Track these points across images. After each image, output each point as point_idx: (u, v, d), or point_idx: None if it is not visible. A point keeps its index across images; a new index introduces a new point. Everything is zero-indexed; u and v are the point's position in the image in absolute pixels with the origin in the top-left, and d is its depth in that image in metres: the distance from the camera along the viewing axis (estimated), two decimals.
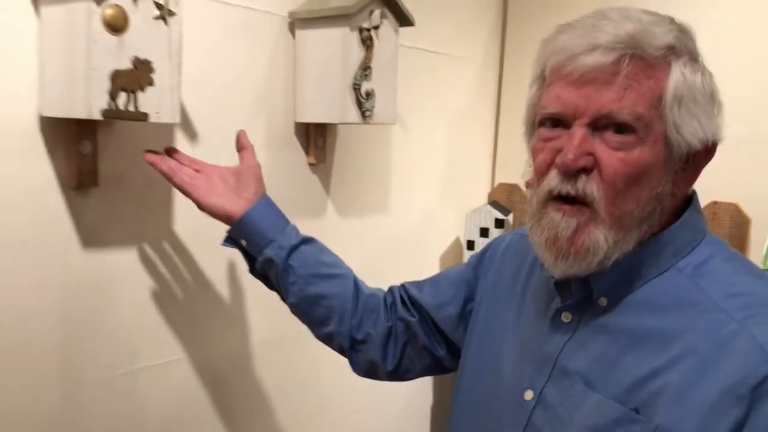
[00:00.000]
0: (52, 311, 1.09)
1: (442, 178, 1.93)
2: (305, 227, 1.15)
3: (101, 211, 1.13)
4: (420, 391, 1.93)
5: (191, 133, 1.25)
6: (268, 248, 1.08)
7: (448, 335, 1.09)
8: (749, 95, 1.66)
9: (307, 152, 1.49)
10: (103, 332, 1.16)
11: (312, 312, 1.11)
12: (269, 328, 1.45)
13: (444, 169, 1.94)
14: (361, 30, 1.35)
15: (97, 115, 0.95)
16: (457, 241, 2.02)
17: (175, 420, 1.30)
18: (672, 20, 0.79)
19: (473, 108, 2.03)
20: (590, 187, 0.77)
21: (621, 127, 0.75)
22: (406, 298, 1.13)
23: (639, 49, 0.74)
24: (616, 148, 0.76)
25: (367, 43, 1.37)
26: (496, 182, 2.13)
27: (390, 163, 1.74)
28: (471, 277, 1.08)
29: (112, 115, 0.96)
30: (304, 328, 1.16)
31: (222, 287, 1.36)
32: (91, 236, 1.12)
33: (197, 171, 1.11)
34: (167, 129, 1.20)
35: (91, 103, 0.94)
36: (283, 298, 1.14)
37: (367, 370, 1.14)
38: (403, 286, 1.16)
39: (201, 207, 1.08)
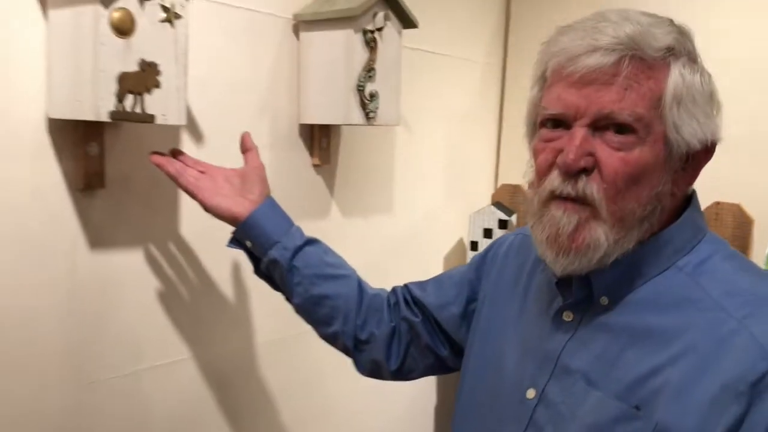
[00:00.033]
0: (59, 311, 1.09)
1: (445, 179, 1.94)
2: (309, 228, 1.15)
3: (108, 212, 1.14)
4: (424, 391, 1.94)
5: (196, 135, 1.26)
6: (272, 249, 1.08)
7: (451, 335, 1.10)
8: (753, 96, 1.66)
9: (311, 153, 1.50)
10: (109, 332, 1.17)
11: (316, 312, 1.12)
12: (273, 329, 1.46)
13: (447, 170, 1.94)
14: (365, 32, 1.36)
15: (104, 117, 0.96)
16: (460, 241, 2.03)
17: (180, 420, 1.30)
18: (671, 22, 0.80)
19: (476, 109, 2.04)
20: (590, 187, 0.77)
21: (621, 128, 0.76)
22: (409, 298, 1.14)
23: (639, 51, 0.75)
24: (617, 148, 0.77)
25: (370, 44, 1.37)
26: (500, 183, 2.14)
27: (394, 164, 1.74)
28: (473, 277, 1.09)
29: (119, 116, 0.97)
30: (308, 328, 1.16)
31: (227, 288, 1.37)
32: (98, 237, 1.13)
33: (202, 172, 1.12)
34: (173, 131, 1.21)
35: (99, 105, 0.95)
36: (288, 299, 1.14)
37: (371, 369, 1.15)
38: (406, 286, 1.16)
39: (206, 208, 1.09)
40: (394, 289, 1.17)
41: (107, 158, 1.11)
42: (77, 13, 0.96)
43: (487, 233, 1.91)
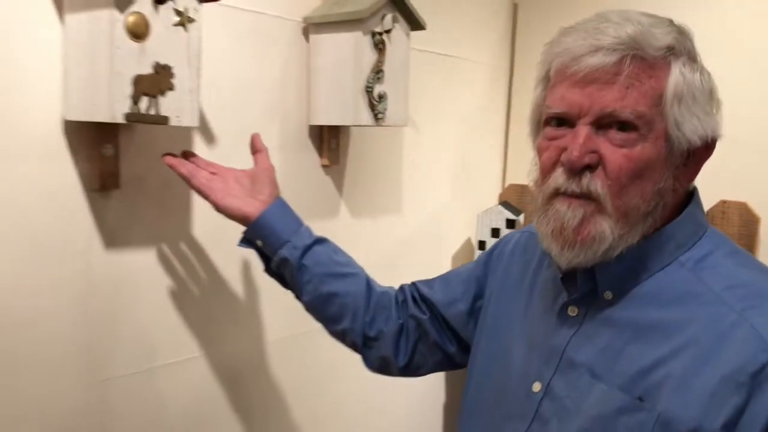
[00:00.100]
0: (73, 310, 1.10)
1: (453, 179, 1.95)
2: (319, 228, 1.17)
3: (122, 213, 1.15)
4: (433, 388, 1.95)
5: (208, 136, 1.27)
6: (283, 248, 1.10)
7: (459, 331, 1.11)
8: (757, 94, 1.67)
9: (320, 154, 1.51)
10: (122, 330, 1.18)
11: (326, 310, 1.13)
12: (284, 327, 1.47)
13: (455, 170, 1.95)
14: (373, 34, 1.37)
15: (120, 119, 0.97)
16: (468, 241, 2.04)
17: (192, 417, 1.32)
18: (671, 22, 0.81)
19: (484, 110, 2.05)
20: (595, 184, 0.79)
21: (624, 125, 0.78)
22: (417, 295, 1.15)
23: (640, 50, 0.77)
24: (620, 145, 0.78)
25: (379, 46, 1.39)
26: (507, 183, 2.15)
27: (402, 164, 1.75)
28: (480, 275, 1.10)
29: (134, 118, 0.98)
30: (317, 326, 1.17)
31: (238, 287, 1.38)
32: (112, 237, 1.14)
33: (213, 174, 1.13)
34: (185, 132, 1.23)
35: (114, 107, 0.96)
36: (298, 297, 1.16)
37: (380, 366, 1.16)
38: (413, 284, 1.18)
39: (218, 209, 1.10)
40: (401, 287, 1.18)
41: (122, 159, 1.13)
42: (93, 18, 0.97)
43: (495, 233, 1.92)
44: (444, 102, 1.86)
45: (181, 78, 1.04)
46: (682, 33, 0.81)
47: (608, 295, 0.84)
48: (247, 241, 1.14)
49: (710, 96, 0.80)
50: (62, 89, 1.04)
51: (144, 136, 1.16)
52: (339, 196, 1.58)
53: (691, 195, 0.86)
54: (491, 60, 2.06)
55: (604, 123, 0.78)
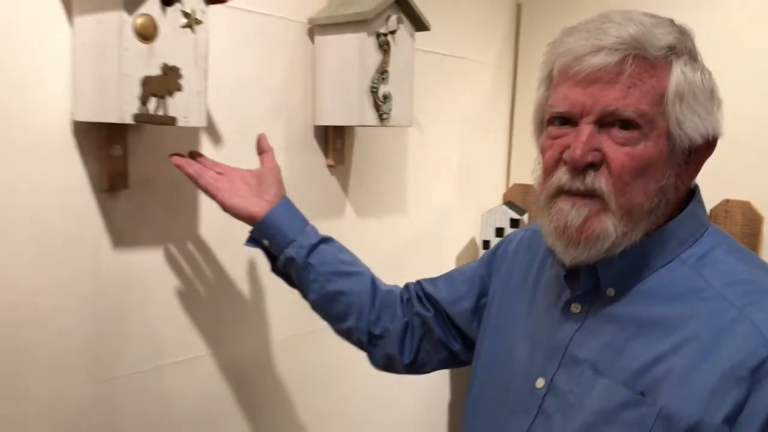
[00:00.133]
0: (82, 308, 1.11)
1: (458, 179, 1.95)
2: (324, 228, 1.17)
3: (130, 213, 1.16)
4: (437, 386, 1.95)
5: (215, 137, 1.28)
6: (289, 247, 1.11)
7: (463, 329, 1.12)
8: (760, 94, 1.67)
9: (325, 154, 1.52)
10: (130, 329, 1.19)
11: (331, 308, 1.14)
12: (290, 326, 1.48)
13: (460, 170, 1.96)
14: (378, 35, 1.38)
15: (128, 120, 0.98)
16: (472, 240, 2.04)
17: (199, 415, 1.32)
18: (672, 22, 0.82)
19: (488, 110, 2.06)
20: (599, 181, 0.80)
21: (626, 124, 0.79)
22: (421, 294, 1.16)
23: (641, 50, 0.78)
24: (622, 143, 0.79)
25: (384, 47, 1.40)
26: (511, 183, 2.15)
27: (407, 164, 1.76)
28: (484, 273, 1.11)
29: (143, 119, 0.99)
30: (323, 325, 1.18)
31: (244, 286, 1.39)
32: (121, 236, 1.15)
33: (220, 174, 1.14)
34: (193, 132, 1.24)
35: (123, 108, 0.97)
36: (304, 296, 1.16)
37: (385, 363, 1.17)
38: (418, 282, 1.18)
39: (225, 208, 1.11)
40: (406, 286, 1.19)
41: (130, 159, 1.14)
42: (102, 20, 0.98)
43: (499, 232, 1.92)
44: (448, 102, 1.87)
45: (188, 79, 1.05)
46: (683, 33, 0.82)
47: (611, 291, 0.85)
48: (253, 240, 1.15)
49: (711, 95, 0.81)
50: (71, 90, 1.05)
51: (152, 136, 1.17)
52: (344, 196, 1.59)
53: (693, 193, 0.87)
54: (495, 60, 2.06)
55: (606, 122, 0.79)
